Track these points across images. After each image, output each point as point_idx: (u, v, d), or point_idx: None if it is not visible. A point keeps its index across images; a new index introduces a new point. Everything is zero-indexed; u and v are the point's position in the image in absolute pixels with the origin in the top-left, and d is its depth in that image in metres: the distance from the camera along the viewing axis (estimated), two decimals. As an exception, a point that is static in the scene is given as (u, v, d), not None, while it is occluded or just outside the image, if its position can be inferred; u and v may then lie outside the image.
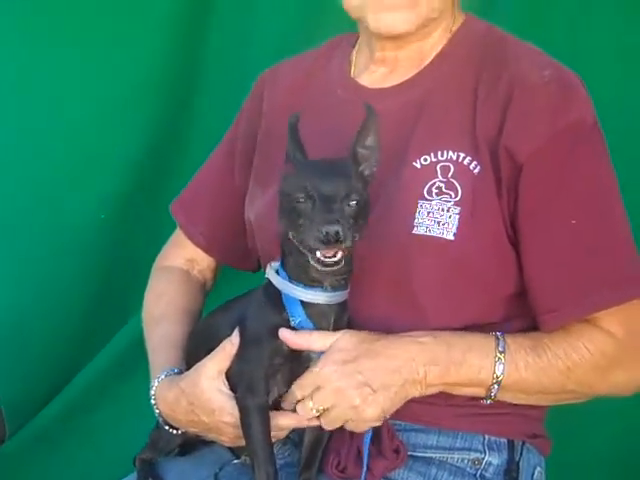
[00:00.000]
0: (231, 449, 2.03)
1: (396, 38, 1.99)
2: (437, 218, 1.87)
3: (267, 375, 1.83)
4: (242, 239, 2.20)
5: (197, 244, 2.30)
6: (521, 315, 1.93)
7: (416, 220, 1.88)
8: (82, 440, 2.97)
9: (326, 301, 1.81)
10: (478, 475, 1.95)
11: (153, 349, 2.13)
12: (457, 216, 1.87)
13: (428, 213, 1.88)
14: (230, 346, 1.87)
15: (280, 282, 1.83)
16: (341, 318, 1.84)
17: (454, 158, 1.90)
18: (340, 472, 1.90)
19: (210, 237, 2.29)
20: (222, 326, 1.93)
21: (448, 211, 1.87)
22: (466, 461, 1.95)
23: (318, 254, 1.71)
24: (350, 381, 1.79)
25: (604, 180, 1.90)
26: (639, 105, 2.59)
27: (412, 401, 1.85)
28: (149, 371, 2.08)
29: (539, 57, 1.96)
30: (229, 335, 1.88)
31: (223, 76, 2.99)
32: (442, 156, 1.91)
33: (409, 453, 1.92)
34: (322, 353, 1.82)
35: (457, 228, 1.86)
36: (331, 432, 1.89)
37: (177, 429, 2.01)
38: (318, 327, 1.82)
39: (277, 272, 1.84)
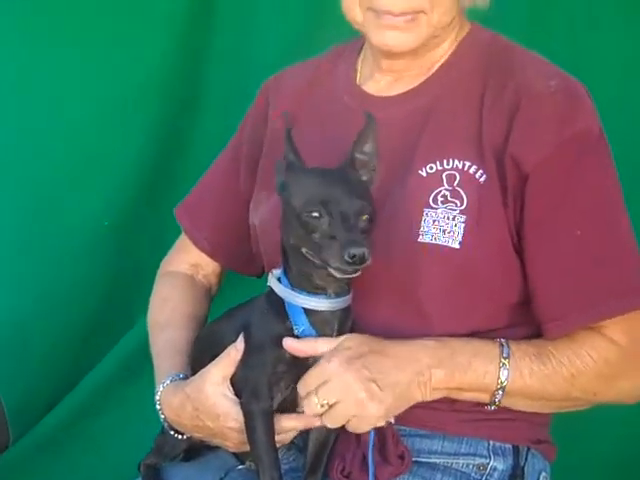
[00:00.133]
0: (236, 454, 2.03)
1: (401, 54, 1.98)
2: (443, 226, 1.88)
3: (270, 382, 1.83)
4: (246, 244, 2.20)
5: (202, 249, 2.30)
6: (525, 322, 1.93)
7: (422, 228, 1.88)
8: (86, 445, 2.96)
9: (330, 308, 1.81)
10: (483, 480, 1.96)
11: (158, 354, 2.13)
12: (463, 224, 1.87)
13: (434, 221, 1.88)
14: (235, 352, 1.87)
15: (282, 290, 1.82)
16: (345, 325, 1.84)
17: (460, 167, 1.90)
18: (345, 477, 1.90)
19: (215, 242, 2.29)
20: (226, 333, 1.93)
21: (454, 219, 1.88)
22: (471, 466, 1.95)
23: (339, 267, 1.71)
24: (356, 375, 1.77)
25: (610, 190, 1.90)
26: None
27: (416, 406, 1.85)
28: (154, 376, 2.08)
29: (545, 66, 1.97)
30: (233, 341, 1.88)
31: (226, 77, 2.99)
32: (448, 164, 1.91)
33: (414, 459, 1.91)
34: None
35: (462, 237, 1.87)
36: (336, 437, 1.89)
37: (182, 434, 2.01)
38: (322, 335, 1.82)
39: (279, 279, 1.84)
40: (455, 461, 1.95)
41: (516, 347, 1.87)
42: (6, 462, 2.93)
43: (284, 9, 2.93)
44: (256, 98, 2.26)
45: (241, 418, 1.86)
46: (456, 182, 1.90)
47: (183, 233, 2.34)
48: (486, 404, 1.89)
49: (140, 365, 2.61)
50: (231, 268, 2.35)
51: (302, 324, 1.81)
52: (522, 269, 1.90)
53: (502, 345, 1.87)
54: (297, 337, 1.81)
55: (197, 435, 1.98)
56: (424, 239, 1.88)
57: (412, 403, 1.84)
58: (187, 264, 2.32)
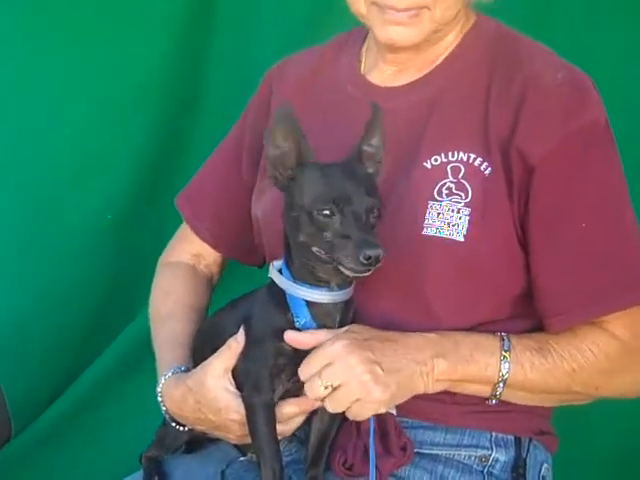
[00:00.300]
0: (237, 446, 2.03)
1: (404, 48, 1.98)
2: (447, 219, 1.87)
3: (272, 375, 1.83)
4: (248, 234, 2.18)
5: (203, 239, 2.28)
6: (527, 315, 1.93)
7: (426, 221, 1.88)
8: (88, 438, 2.95)
9: (332, 300, 1.80)
10: (485, 472, 1.96)
11: (160, 347, 2.13)
12: (467, 217, 1.87)
13: (438, 214, 1.88)
14: (236, 344, 1.87)
15: (284, 282, 1.82)
16: (346, 316, 1.84)
17: (465, 159, 1.90)
18: (347, 469, 1.89)
19: (216, 232, 2.27)
20: (228, 325, 1.93)
21: (458, 212, 1.88)
22: (473, 458, 1.95)
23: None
24: (360, 357, 1.76)
25: (615, 183, 1.91)
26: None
27: (419, 398, 1.85)
28: (155, 369, 2.08)
29: (552, 58, 1.97)
30: (234, 334, 1.87)
31: (226, 77, 2.98)
32: (453, 156, 1.91)
33: (416, 450, 1.92)
34: None
35: (467, 229, 1.87)
36: (337, 428, 1.89)
37: (184, 426, 2.01)
38: (323, 327, 1.81)
39: (280, 271, 1.84)
40: (457, 453, 1.95)
41: (517, 341, 1.88)
42: (9, 455, 2.93)
43: (284, 9, 2.92)
44: (259, 86, 2.25)
45: (242, 411, 1.86)
46: (461, 174, 1.90)
47: (184, 223, 2.32)
48: (487, 398, 1.89)
49: (140, 359, 2.62)
50: (233, 258, 2.33)
51: (304, 316, 1.80)
52: (526, 262, 1.90)
53: (503, 339, 1.87)
54: (298, 329, 1.80)
55: (199, 427, 1.98)
56: (428, 232, 1.88)
57: (414, 393, 1.84)
58: (189, 254, 2.31)
